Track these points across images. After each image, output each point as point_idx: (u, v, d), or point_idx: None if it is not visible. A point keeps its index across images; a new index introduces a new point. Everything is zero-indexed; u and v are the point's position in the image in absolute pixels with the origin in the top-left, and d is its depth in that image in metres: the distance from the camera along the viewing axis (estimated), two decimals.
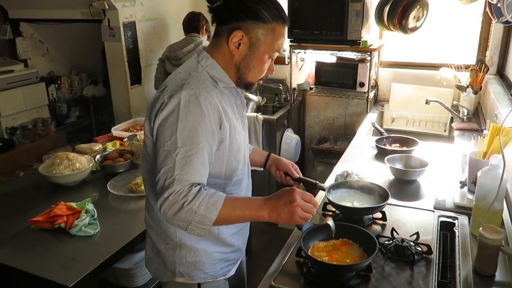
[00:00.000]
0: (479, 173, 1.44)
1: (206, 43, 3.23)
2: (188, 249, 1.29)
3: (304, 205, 1.13)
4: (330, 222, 1.27)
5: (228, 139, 1.22)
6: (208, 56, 1.23)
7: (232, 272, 1.42)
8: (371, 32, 3.21)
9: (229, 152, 1.24)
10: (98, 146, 2.43)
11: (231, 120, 1.23)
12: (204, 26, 3.32)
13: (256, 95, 3.58)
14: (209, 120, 1.13)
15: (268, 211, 1.13)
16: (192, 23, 3.28)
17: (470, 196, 1.68)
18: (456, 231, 1.51)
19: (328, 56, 3.32)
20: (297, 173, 1.61)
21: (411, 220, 1.59)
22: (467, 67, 2.99)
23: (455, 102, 2.98)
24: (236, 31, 1.17)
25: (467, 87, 2.89)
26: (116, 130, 2.69)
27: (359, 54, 3.13)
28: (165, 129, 1.12)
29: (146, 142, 1.26)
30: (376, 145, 2.31)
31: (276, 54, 1.26)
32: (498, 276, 1.28)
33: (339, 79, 3.26)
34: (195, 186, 1.10)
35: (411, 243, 1.37)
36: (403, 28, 2.93)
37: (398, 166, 2.00)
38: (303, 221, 1.15)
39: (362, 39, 2.98)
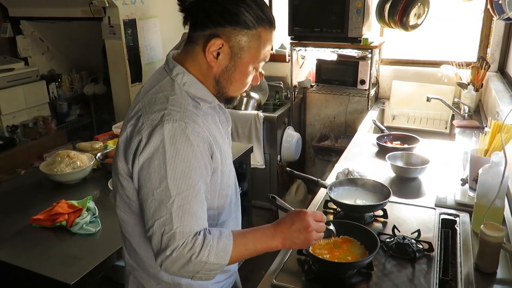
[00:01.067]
0: (480, 171, 1.43)
1: None
2: (183, 287, 1.15)
3: (318, 227, 1.07)
4: (331, 226, 1.23)
5: (220, 167, 1.08)
6: (184, 71, 1.04)
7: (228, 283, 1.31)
8: (372, 30, 3.20)
9: (221, 180, 1.11)
10: (99, 144, 2.43)
11: (221, 146, 1.07)
12: None
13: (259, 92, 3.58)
14: (201, 155, 0.98)
15: (281, 240, 1.04)
16: None
17: (471, 194, 1.67)
18: (458, 228, 1.51)
19: (329, 54, 3.32)
20: None
21: (412, 217, 1.59)
22: (468, 64, 2.99)
23: (456, 100, 2.98)
24: (215, 39, 0.99)
25: (468, 84, 2.88)
26: (116, 128, 2.69)
27: (360, 51, 3.12)
28: (151, 174, 0.95)
29: (120, 180, 1.04)
30: (377, 143, 2.31)
31: (262, 64, 1.09)
32: (500, 273, 1.28)
33: (340, 77, 3.26)
34: (199, 234, 0.96)
35: (413, 240, 1.37)
36: (404, 26, 2.93)
37: (399, 163, 2.00)
38: (315, 242, 1.10)
39: (363, 37, 2.97)
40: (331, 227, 1.21)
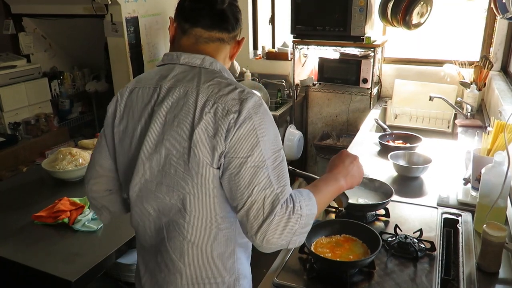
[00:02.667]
0: (483, 170, 1.43)
1: None
2: (243, 276, 1.16)
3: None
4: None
5: None
6: (215, 60, 1.12)
7: None
8: (375, 28, 3.19)
9: None
10: None
11: None
12: None
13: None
14: (274, 122, 1.07)
15: (343, 179, 1.13)
16: None
17: (473, 193, 1.67)
18: (460, 228, 1.50)
19: (331, 52, 3.31)
20: None
21: (414, 217, 1.59)
22: (471, 63, 2.98)
23: (458, 99, 2.97)
24: (242, 37, 1.19)
25: (471, 83, 2.87)
26: None
27: (362, 50, 3.11)
28: (241, 143, 0.98)
29: (201, 173, 1.01)
30: (379, 142, 2.31)
31: None
32: (502, 273, 1.28)
33: (342, 75, 3.25)
34: None
35: (415, 239, 1.37)
36: (407, 24, 2.92)
37: (402, 162, 2.00)
38: None
39: (365, 35, 2.96)
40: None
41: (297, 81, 3.41)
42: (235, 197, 0.98)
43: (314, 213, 1.00)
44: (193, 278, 1.10)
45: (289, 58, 3.38)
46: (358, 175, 1.17)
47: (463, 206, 1.65)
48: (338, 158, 1.17)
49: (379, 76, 3.41)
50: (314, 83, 3.43)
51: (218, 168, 1.01)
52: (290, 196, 0.98)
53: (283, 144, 3.35)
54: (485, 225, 1.27)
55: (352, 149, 2.34)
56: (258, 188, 0.95)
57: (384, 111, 3.22)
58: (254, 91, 1.07)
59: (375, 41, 3.04)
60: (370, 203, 1.60)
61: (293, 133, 3.43)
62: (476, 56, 3.10)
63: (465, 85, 2.91)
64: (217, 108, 1.00)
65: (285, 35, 3.53)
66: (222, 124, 0.99)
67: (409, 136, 2.35)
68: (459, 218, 1.56)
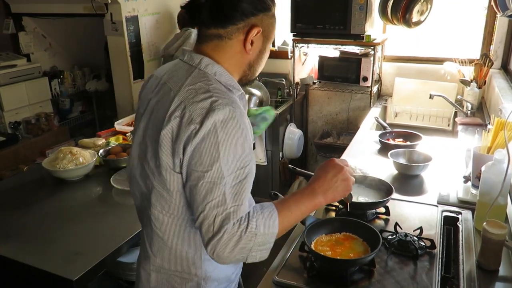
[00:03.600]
0: (483, 168, 1.43)
1: (196, 33, 3.22)
2: (212, 279, 1.16)
3: (349, 169, 1.07)
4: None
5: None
6: (212, 62, 1.07)
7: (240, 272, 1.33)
8: (375, 26, 3.19)
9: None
10: (101, 141, 2.43)
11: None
12: None
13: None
14: (248, 137, 1.01)
15: (322, 194, 1.05)
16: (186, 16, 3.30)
17: (474, 191, 1.67)
18: (460, 226, 1.50)
19: (331, 51, 3.31)
20: None
21: (414, 215, 1.59)
22: (471, 61, 2.97)
23: (459, 97, 2.97)
24: (254, 28, 1.04)
25: (471, 81, 2.87)
26: (119, 125, 2.69)
27: (362, 48, 3.11)
28: (202, 157, 0.95)
29: (163, 175, 1.03)
30: (380, 140, 2.31)
31: None
32: (502, 271, 1.28)
33: (342, 74, 3.25)
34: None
35: (415, 237, 1.37)
36: (407, 22, 2.92)
37: (402, 160, 2.00)
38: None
39: (365, 33, 2.96)
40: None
41: (297, 79, 3.41)
42: (193, 208, 0.99)
43: (273, 232, 0.97)
44: (160, 267, 1.15)
45: (289, 57, 3.37)
46: (343, 189, 1.07)
47: (463, 204, 1.65)
48: (323, 169, 1.08)
49: (379, 74, 3.41)
50: (314, 81, 3.43)
51: (180, 173, 1.00)
52: (248, 214, 0.95)
53: (283, 143, 3.37)
54: (485, 223, 1.27)
55: (352, 147, 2.34)
56: (211, 205, 0.94)
57: (384, 109, 3.22)
58: (235, 102, 1.01)
59: (375, 39, 3.04)
60: (370, 201, 1.60)
61: (293, 131, 3.43)
62: (476, 54, 3.09)
63: (465, 83, 2.91)
64: (185, 115, 0.98)
65: (285, 34, 3.53)
66: (184, 132, 0.97)
67: (409, 134, 2.35)
68: (459, 216, 1.56)
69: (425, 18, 2.96)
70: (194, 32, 3.23)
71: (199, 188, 0.95)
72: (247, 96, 3.41)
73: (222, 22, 1.04)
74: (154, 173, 1.05)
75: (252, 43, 1.06)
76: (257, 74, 1.17)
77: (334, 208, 1.65)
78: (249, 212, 0.96)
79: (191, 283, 1.14)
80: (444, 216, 1.56)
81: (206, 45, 1.09)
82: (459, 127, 2.58)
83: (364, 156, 2.19)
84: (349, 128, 3.63)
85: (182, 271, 1.14)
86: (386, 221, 1.56)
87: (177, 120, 0.99)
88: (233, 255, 0.94)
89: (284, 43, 3.71)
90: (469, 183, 1.72)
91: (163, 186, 1.04)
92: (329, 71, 3.31)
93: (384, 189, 1.65)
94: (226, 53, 1.07)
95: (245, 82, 1.15)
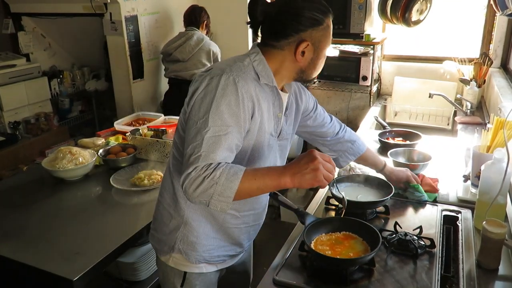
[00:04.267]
0: (482, 167, 1.43)
1: (198, 36, 3.23)
2: (191, 228, 1.30)
3: (325, 164, 1.10)
4: (343, 194, 1.25)
5: (256, 132, 1.22)
6: (259, 52, 1.24)
7: (227, 264, 1.42)
8: (374, 26, 3.20)
9: (253, 147, 1.24)
10: (100, 141, 2.43)
11: (263, 115, 1.23)
12: (205, 22, 3.34)
13: None
14: (243, 107, 1.14)
15: (290, 175, 1.10)
16: (192, 16, 3.30)
17: (473, 190, 1.67)
18: (459, 225, 1.51)
19: (331, 50, 3.30)
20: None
21: (414, 214, 1.59)
22: (470, 60, 2.98)
23: (458, 96, 2.97)
24: (303, 43, 1.20)
25: (471, 80, 2.87)
26: (118, 125, 2.69)
27: (362, 47, 3.11)
28: (200, 108, 1.14)
29: (179, 131, 1.28)
30: (379, 139, 2.31)
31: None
32: (502, 270, 1.28)
33: (342, 73, 3.25)
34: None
35: (414, 237, 1.37)
36: (406, 21, 2.92)
37: (401, 160, 2.00)
38: (326, 182, 1.11)
39: (365, 33, 2.96)
40: (343, 194, 1.23)
41: None
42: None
43: (233, 187, 1.07)
44: (159, 199, 1.40)
45: None
46: (310, 177, 1.09)
47: (463, 203, 1.65)
48: (300, 156, 1.13)
49: (378, 74, 3.41)
50: (314, 80, 3.42)
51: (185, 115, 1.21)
52: (217, 164, 1.08)
53: None
54: (484, 222, 1.27)
55: None
56: (192, 145, 1.11)
57: (384, 108, 3.22)
58: (245, 78, 1.16)
59: (374, 38, 3.04)
60: (370, 200, 1.60)
61: None
62: (475, 53, 3.10)
63: (464, 82, 2.91)
64: (205, 73, 1.20)
65: None
66: (196, 83, 1.20)
67: (409, 134, 2.35)
68: (459, 215, 1.56)
69: (425, 17, 2.96)
70: (196, 34, 3.24)
71: (190, 131, 1.14)
72: None
73: (275, 36, 1.22)
74: (177, 133, 1.30)
75: (304, 53, 1.21)
76: (314, 76, 1.32)
77: (334, 207, 1.65)
78: (219, 163, 1.08)
79: (174, 221, 1.32)
80: (444, 215, 1.57)
81: (263, 48, 1.26)
82: (459, 126, 2.59)
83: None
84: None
85: (171, 206, 1.33)
86: (386, 220, 1.56)
87: (200, 75, 1.22)
88: (197, 194, 1.07)
89: None
90: (469, 182, 1.72)
91: (179, 139, 1.28)
92: (328, 70, 3.31)
93: (384, 188, 1.65)
94: (276, 59, 1.24)
95: (301, 81, 1.33)
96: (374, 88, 3.20)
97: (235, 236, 1.37)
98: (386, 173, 1.72)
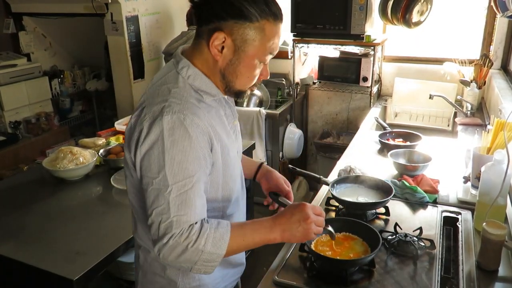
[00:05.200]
0: (483, 168, 1.43)
1: None
2: (192, 275, 1.16)
3: (317, 220, 1.06)
4: (329, 228, 1.21)
5: (221, 160, 1.09)
6: (189, 65, 1.06)
7: (233, 284, 1.34)
8: (375, 27, 3.19)
9: (223, 173, 1.12)
10: (101, 141, 2.44)
11: (222, 139, 1.08)
12: None
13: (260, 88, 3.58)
14: (199, 147, 0.99)
15: (280, 232, 1.04)
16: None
17: (473, 191, 1.67)
18: (459, 226, 1.51)
19: (331, 51, 3.31)
20: (288, 188, 1.38)
21: (414, 215, 1.59)
22: (471, 61, 2.97)
23: (458, 97, 2.97)
24: (217, 32, 1.00)
25: (471, 81, 2.87)
26: (119, 125, 2.69)
27: (362, 48, 3.11)
28: (151, 163, 0.98)
29: (129, 168, 1.09)
30: (379, 140, 2.31)
31: (270, 57, 1.09)
32: (501, 271, 1.28)
33: (342, 74, 3.25)
34: (196, 224, 0.98)
35: (414, 238, 1.37)
36: (407, 22, 2.92)
37: (402, 161, 2.00)
38: (315, 236, 1.09)
39: (365, 34, 2.96)
40: (330, 228, 1.21)
41: (297, 79, 3.41)
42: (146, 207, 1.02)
43: (220, 253, 0.98)
44: (144, 246, 1.21)
45: (289, 57, 3.37)
46: (301, 235, 1.05)
47: (463, 204, 1.65)
48: (291, 209, 1.07)
49: (379, 75, 3.41)
50: (314, 81, 3.43)
51: (135, 170, 1.04)
52: (200, 229, 0.97)
53: (283, 142, 3.37)
54: (484, 223, 1.28)
55: (352, 147, 2.34)
56: (157, 211, 0.97)
57: (384, 109, 3.22)
58: (191, 110, 1.00)
59: (375, 39, 3.04)
60: (370, 201, 1.60)
61: (293, 131, 3.43)
62: (476, 54, 3.09)
63: (465, 83, 2.91)
64: (140, 116, 1.02)
65: (285, 34, 3.53)
66: (134, 133, 1.02)
67: (409, 135, 2.35)
68: (459, 217, 1.56)
69: (425, 19, 2.97)
70: None
71: (149, 193, 0.99)
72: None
73: (199, 20, 1.05)
74: (126, 165, 1.11)
75: (222, 49, 1.03)
76: (240, 87, 1.10)
77: (334, 208, 1.65)
78: (202, 227, 0.97)
79: (169, 272, 1.16)
80: (444, 217, 1.57)
81: (193, 43, 1.10)
82: (459, 128, 2.59)
83: (364, 156, 2.19)
84: (349, 128, 3.63)
85: (158, 263, 1.16)
86: (386, 221, 1.56)
87: (135, 118, 1.05)
88: (178, 262, 0.97)
89: (284, 43, 3.70)
90: (469, 183, 1.72)
91: (131, 177, 1.09)
92: (329, 71, 3.31)
93: (384, 189, 1.65)
94: (201, 55, 1.07)
95: (229, 93, 1.12)
96: (375, 89, 3.20)
97: (236, 259, 1.29)
98: (259, 175, 1.41)
